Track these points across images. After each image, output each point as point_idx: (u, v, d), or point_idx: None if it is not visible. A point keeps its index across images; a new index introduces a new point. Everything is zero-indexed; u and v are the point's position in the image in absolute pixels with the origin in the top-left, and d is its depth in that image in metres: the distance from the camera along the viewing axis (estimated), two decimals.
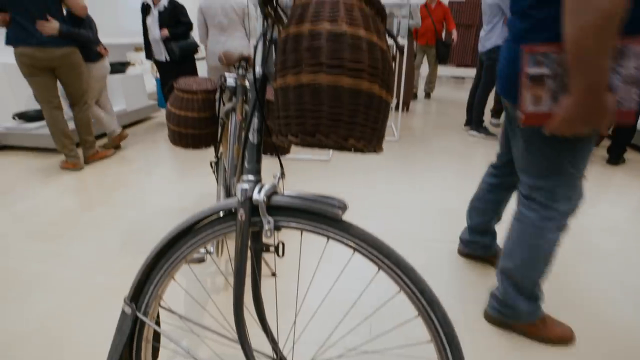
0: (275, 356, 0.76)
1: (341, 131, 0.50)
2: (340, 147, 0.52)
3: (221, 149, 1.55)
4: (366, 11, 0.52)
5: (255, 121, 0.61)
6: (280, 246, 0.62)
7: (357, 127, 0.51)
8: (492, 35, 3.21)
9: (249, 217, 0.58)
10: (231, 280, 1.37)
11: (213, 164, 1.59)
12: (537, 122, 0.80)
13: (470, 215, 1.40)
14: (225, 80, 1.37)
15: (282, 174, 0.65)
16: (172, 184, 2.31)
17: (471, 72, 8.82)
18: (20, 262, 1.52)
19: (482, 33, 3.35)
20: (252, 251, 0.65)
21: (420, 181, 2.36)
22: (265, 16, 0.60)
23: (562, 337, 1.06)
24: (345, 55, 0.47)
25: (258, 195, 0.57)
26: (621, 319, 1.18)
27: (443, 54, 4.89)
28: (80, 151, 2.90)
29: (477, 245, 1.42)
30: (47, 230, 1.79)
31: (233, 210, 0.61)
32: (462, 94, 6.29)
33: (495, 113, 4.01)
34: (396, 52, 4.15)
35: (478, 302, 1.26)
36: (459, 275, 1.40)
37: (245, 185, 0.58)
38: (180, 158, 2.80)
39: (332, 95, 0.48)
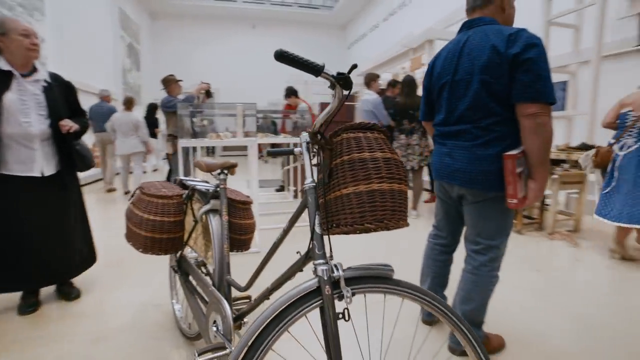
0: None
1: (396, 217, 0.77)
2: (389, 228, 0.78)
3: (188, 250, 1.54)
4: (387, 140, 0.85)
5: (317, 217, 0.81)
6: (346, 312, 0.77)
7: (402, 214, 0.79)
8: None
9: (332, 291, 0.74)
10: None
11: (175, 268, 1.54)
12: (521, 203, 1.20)
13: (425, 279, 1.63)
14: (184, 183, 1.48)
15: (331, 256, 0.84)
16: (112, 292, 1.95)
17: None
18: None
19: None
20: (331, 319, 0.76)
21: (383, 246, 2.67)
22: (315, 144, 0.87)
23: (500, 345, 1.47)
24: (391, 171, 0.77)
25: (338, 272, 0.74)
26: (530, 327, 1.64)
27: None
28: None
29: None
30: None
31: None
32: None
33: None
34: None
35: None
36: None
37: (325, 267, 0.75)
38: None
39: (391, 196, 0.76)
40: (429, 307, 0.81)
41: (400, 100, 4.23)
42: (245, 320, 1.16)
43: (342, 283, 0.75)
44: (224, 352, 0.96)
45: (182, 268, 1.52)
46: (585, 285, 2.17)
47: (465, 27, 1.36)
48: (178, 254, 1.56)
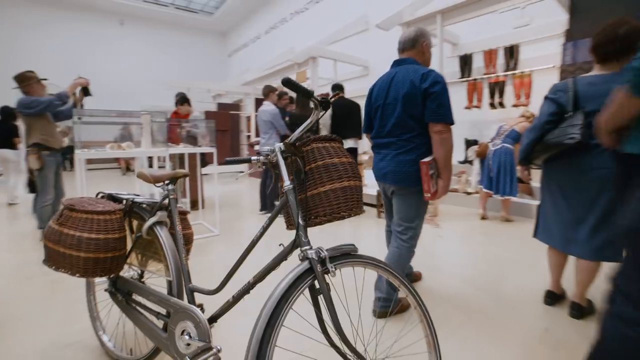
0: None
1: (359, 205, 1.03)
2: (354, 215, 1.04)
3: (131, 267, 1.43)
4: (343, 148, 1.11)
5: (300, 212, 1.00)
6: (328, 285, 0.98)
7: (362, 203, 1.05)
8: (271, 142, 4.39)
9: (322, 269, 0.94)
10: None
11: (111, 289, 1.42)
12: (433, 196, 1.64)
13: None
14: (115, 197, 1.42)
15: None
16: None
17: (236, 168, 10.22)
18: None
19: (262, 140, 4.48)
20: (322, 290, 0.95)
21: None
22: (289, 152, 1.05)
23: (407, 305, 1.91)
24: (355, 172, 1.03)
25: (325, 254, 0.95)
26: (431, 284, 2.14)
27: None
28: None
29: None
30: None
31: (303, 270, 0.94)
32: (238, 187, 7.38)
33: (277, 197, 5.15)
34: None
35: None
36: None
37: (313, 251, 0.94)
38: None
39: (356, 190, 1.02)
40: (382, 271, 1.09)
41: (297, 111, 4.59)
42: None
43: (328, 262, 0.95)
44: (212, 352, 1.02)
45: (120, 289, 1.42)
46: (449, 253, 2.92)
47: (396, 64, 1.82)
48: (113, 275, 1.44)
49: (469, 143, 5.51)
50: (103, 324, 1.62)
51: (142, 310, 1.34)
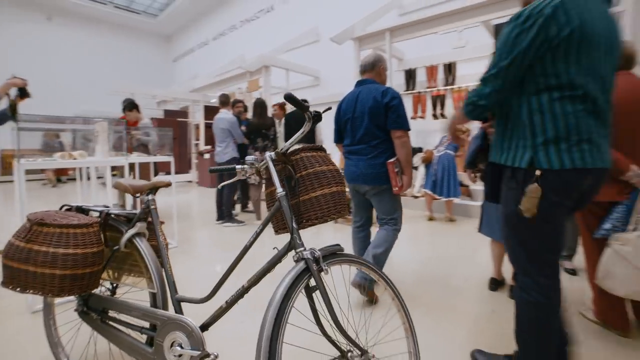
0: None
1: (346, 208, 1.14)
2: (341, 216, 1.15)
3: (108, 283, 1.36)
4: (329, 156, 1.22)
5: (293, 217, 1.08)
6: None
7: (347, 206, 1.17)
8: (227, 150, 4.34)
9: (317, 267, 1.03)
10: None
11: (83, 309, 1.34)
12: (400, 190, 1.97)
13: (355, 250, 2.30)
14: (84, 209, 1.37)
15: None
16: None
17: (189, 177, 9.69)
18: None
19: (218, 149, 4.41)
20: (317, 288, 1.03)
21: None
22: (280, 161, 1.13)
23: (377, 298, 2.08)
24: (340, 178, 1.15)
25: (319, 253, 1.04)
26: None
27: None
28: None
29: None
30: None
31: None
32: (188, 197, 7.11)
33: (233, 206, 5.01)
34: None
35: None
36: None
37: (308, 252, 1.03)
38: None
39: (343, 195, 1.13)
40: (365, 268, 1.21)
41: (254, 120, 4.60)
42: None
43: (321, 261, 1.04)
44: (211, 358, 1.04)
45: (93, 307, 1.34)
46: (403, 252, 3.17)
47: (359, 84, 2.12)
48: (85, 293, 1.36)
49: (414, 151, 5.98)
50: (66, 350, 1.51)
51: (120, 327, 1.30)
